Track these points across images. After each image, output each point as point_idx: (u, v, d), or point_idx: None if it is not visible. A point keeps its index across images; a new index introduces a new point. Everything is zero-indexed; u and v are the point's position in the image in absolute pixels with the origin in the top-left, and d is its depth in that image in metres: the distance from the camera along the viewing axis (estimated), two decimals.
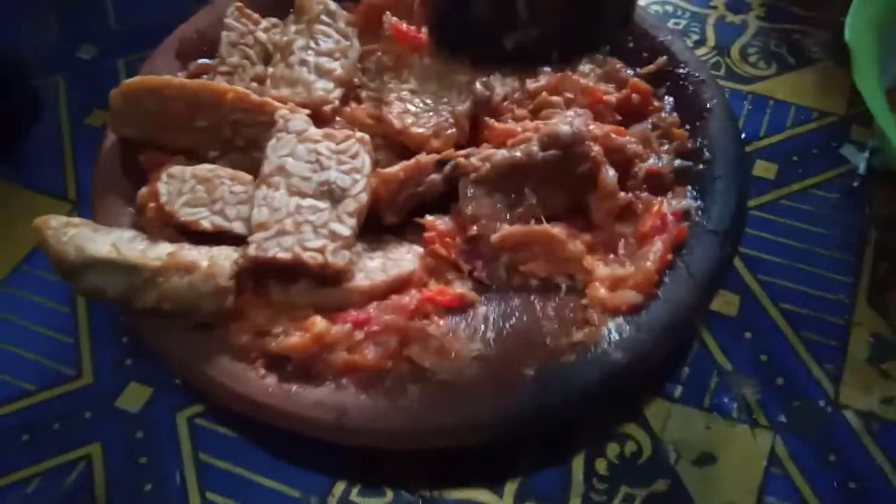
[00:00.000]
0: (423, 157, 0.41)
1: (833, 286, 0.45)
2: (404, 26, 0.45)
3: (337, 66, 0.45)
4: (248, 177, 0.40)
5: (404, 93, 0.45)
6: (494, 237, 0.38)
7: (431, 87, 0.45)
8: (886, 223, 0.48)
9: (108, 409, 0.41)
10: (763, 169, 0.51)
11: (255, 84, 0.46)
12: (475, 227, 0.39)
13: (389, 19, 0.46)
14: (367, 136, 0.41)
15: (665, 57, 0.47)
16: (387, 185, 0.39)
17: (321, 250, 0.36)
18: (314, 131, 0.40)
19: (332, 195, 0.38)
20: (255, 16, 0.48)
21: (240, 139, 0.43)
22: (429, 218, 0.40)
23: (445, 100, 0.44)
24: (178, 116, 0.42)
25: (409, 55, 0.45)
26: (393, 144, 0.44)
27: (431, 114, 0.44)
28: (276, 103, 0.42)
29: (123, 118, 0.43)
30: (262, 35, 0.48)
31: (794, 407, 0.41)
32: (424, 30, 0.44)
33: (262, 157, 0.40)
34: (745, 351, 0.43)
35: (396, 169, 0.40)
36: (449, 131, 0.43)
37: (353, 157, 0.39)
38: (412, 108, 0.44)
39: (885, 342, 0.43)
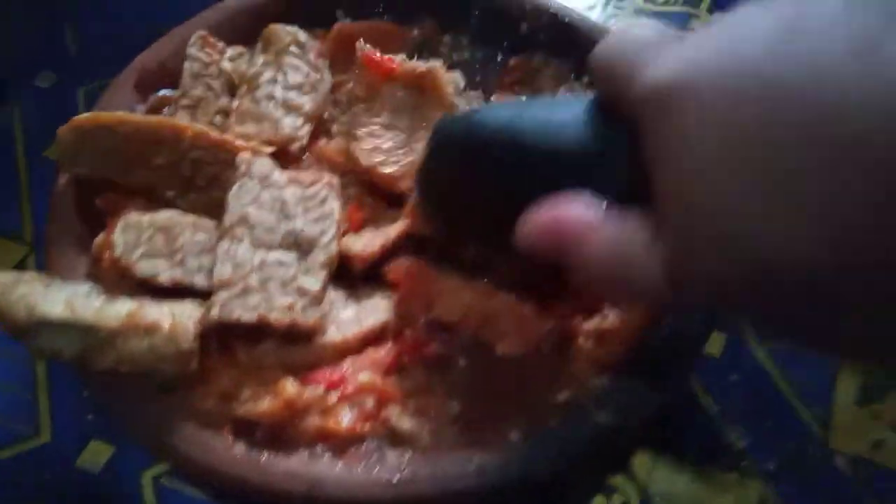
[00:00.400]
0: (406, 228, 0.38)
1: None
2: (378, 55, 0.43)
3: (306, 101, 0.43)
4: (211, 223, 0.38)
5: (375, 127, 0.43)
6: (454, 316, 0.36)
7: (405, 121, 0.42)
8: None
9: (68, 470, 0.39)
10: None
11: (219, 118, 0.44)
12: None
13: (363, 47, 0.44)
14: (335, 179, 0.39)
15: None
16: (363, 261, 0.37)
17: (289, 308, 0.34)
18: (278, 176, 0.38)
19: (300, 247, 0.36)
20: (221, 45, 0.46)
21: (200, 178, 0.40)
22: (395, 264, 0.37)
23: (420, 134, 0.42)
24: (134, 154, 0.40)
25: (381, 85, 0.43)
26: (364, 181, 0.42)
27: (404, 150, 0.42)
28: (238, 142, 0.40)
29: (74, 157, 0.40)
30: (227, 65, 0.45)
31: (784, 453, 0.39)
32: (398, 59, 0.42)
33: (224, 196, 0.38)
34: (732, 394, 0.41)
35: (376, 248, 0.37)
36: None
37: (322, 202, 0.37)
38: (383, 145, 0.42)
39: (873, 382, 0.42)
